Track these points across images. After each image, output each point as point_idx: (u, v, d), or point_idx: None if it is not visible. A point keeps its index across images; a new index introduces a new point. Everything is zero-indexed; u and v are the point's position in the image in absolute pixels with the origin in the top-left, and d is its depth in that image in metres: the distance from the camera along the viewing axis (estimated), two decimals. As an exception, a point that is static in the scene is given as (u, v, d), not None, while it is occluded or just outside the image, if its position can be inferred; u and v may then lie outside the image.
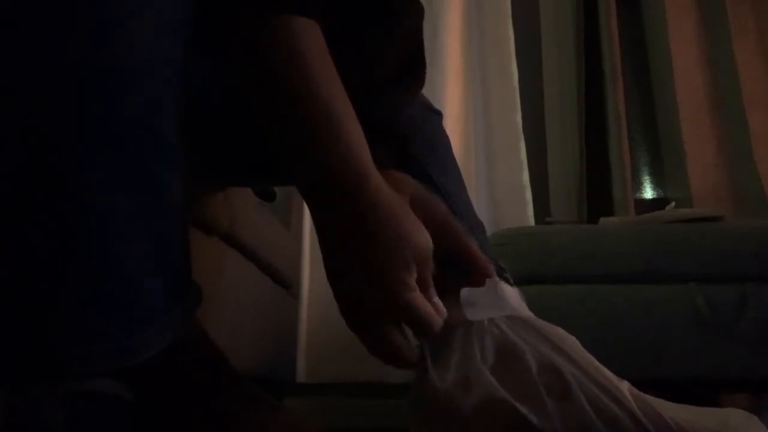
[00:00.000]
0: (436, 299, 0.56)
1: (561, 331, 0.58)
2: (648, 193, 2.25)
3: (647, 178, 2.25)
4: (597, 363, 0.56)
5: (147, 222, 0.49)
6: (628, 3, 2.30)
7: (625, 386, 0.54)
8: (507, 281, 0.67)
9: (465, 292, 0.60)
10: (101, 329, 0.48)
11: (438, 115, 0.79)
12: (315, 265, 2.05)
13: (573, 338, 0.58)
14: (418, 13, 0.73)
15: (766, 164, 2.12)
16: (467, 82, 2.15)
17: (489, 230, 2.04)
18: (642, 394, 0.54)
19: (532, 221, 2.09)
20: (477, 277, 0.60)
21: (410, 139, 0.73)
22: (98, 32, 0.44)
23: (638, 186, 2.24)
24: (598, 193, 2.17)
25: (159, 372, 0.53)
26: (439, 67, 2.11)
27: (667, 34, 2.22)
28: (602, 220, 1.81)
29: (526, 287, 1.55)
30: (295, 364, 1.76)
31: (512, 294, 0.62)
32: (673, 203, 2.00)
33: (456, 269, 0.61)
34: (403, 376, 2.02)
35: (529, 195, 2.12)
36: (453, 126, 2.09)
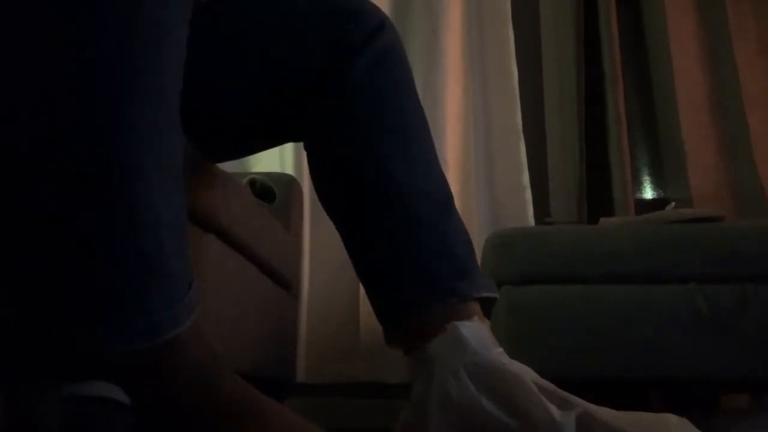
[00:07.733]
0: None
1: (514, 374, 0.64)
2: (648, 193, 2.25)
3: (647, 178, 2.25)
4: (542, 404, 0.62)
5: (175, 205, 0.53)
6: (628, 3, 2.30)
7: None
8: (489, 290, 0.70)
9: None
10: (141, 306, 0.50)
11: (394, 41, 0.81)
12: (315, 265, 2.05)
13: (525, 380, 0.63)
14: None
15: (766, 164, 2.12)
16: (467, 82, 2.15)
17: (489, 230, 2.04)
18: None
19: (532, 221, 2.09)
20: None
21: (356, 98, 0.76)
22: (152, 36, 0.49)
23: (638, 186, 2.24)
24: (598, 193, 2.17)
25: (156, 373, 0.53)
26: (439, 67, 2.11)
27: (667, 34, 2.22)
28: (602, 220, 1.81)
29: (527, 287, 1.56)
30: (295, 364, 1.76)
31: (473, 332, 0.66)
32: (673, 203, 2.00)
33: None
34: (403, 376, 2.02)
35: (529, 195, 2.12)
36: (453, 126, 2.09)
